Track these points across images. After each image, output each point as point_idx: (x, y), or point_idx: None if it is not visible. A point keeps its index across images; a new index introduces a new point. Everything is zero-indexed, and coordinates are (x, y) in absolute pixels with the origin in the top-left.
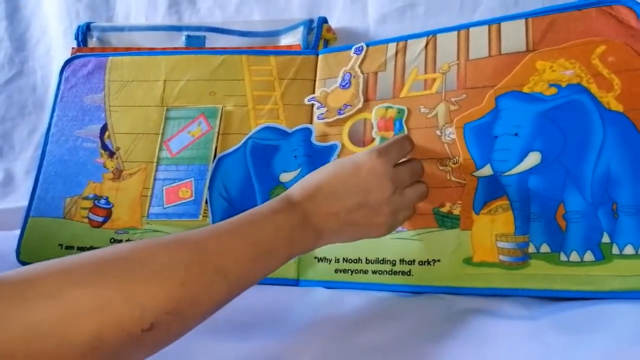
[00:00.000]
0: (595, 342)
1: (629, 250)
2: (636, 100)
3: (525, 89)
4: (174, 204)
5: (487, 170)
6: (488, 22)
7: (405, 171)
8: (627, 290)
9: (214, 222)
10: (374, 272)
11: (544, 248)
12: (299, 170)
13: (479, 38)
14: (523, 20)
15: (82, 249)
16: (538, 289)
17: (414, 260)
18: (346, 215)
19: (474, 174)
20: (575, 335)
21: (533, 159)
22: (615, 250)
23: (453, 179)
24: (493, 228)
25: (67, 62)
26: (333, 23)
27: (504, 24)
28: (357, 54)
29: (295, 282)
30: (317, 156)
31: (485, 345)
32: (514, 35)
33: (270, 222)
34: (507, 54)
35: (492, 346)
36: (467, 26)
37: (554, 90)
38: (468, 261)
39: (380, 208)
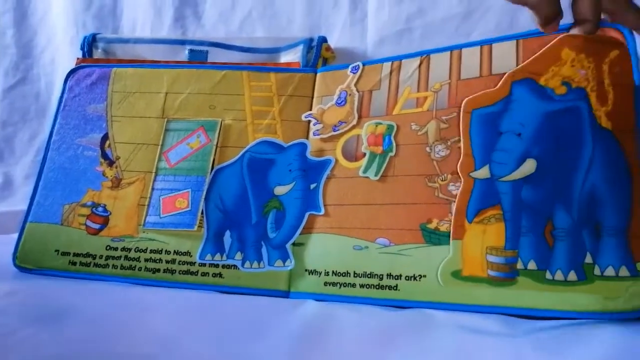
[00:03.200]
0: None
1: (609, 272)
2: (623, 121)
3: (542, 80)
4: (170, 213)
5: (484, 172)
6: (480, 43)
7: None
8: (606, 312)
9: (208, 233)
10: (361, 285)
11: (531, 265)
12: (293, 183)
13: (470, 58)
14: (514, 42)
15: (78, 255)
16: (523, 307)
17: (400, 275)
18: None
19: (472, 174)
20: (555, 356)
21: (528, 166)
22: (597, 271)
23: (441, 195)
24: (484, 239)
25: (72, 72)
26: (333, 43)
27: (495, 45)
28: (353, 72)
29: (286, 294)
30: (311, 170)
31: None
32: (505, 56)
33: None
34: (498, 74)
35: None
36: (459, 47)
37: (564, 89)
38: (457, 274)
39: None
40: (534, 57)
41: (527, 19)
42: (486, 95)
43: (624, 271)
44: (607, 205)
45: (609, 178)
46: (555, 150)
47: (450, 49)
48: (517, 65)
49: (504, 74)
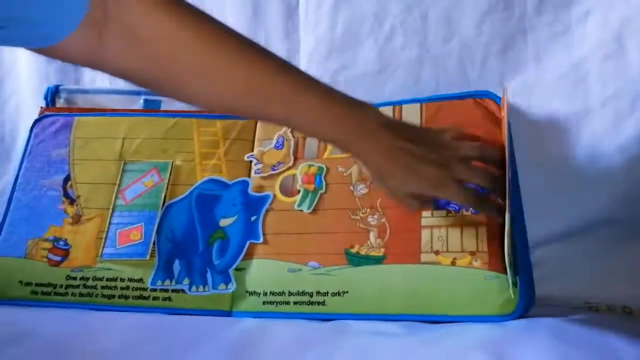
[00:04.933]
0: (443, 349)
1: None
2: None
3: None
4: (125, 245)
5: None
6: (393, 104)
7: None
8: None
9: (159, 262)
10: (295, 302)
11: None
12: (236, 216)
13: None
14: (419, 104)
15: (40, 285)
16: (422, 314)
17: (327, 292)
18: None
19: None
20: (434, 346)
21: None
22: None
23: (361, 225)
24: None
25: (37, 121)
26: None
27: (404, 106)
28: None
29: (229, 314)
30: (252, 204)
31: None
32: (412, 115)
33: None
34: None
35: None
36: (376, 106)
37: None
38: None
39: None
40: None
41: (429, 77)
42: None
43: None
44: None
45: None
46: None
47: None
48: (420, 123)
49: None
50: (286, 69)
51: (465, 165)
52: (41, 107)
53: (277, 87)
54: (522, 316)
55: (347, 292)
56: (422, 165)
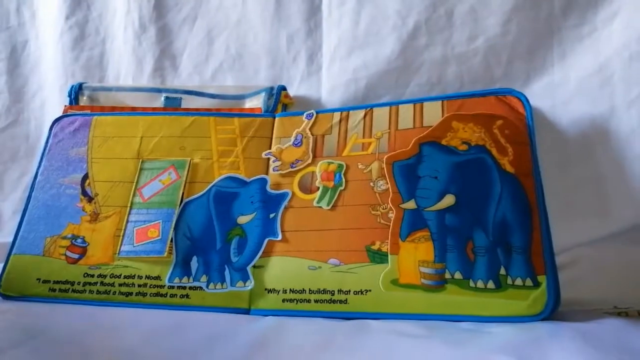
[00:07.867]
0: (467, 351)
1: (518, 282)
2: (523, 167)
3: (443, 142)
4: (142, 242)
5: (411, 204)
6: (413, 102)
7: None
8: (513, 316)
9: (177, 259)
10: (315, 301)
11: (458, 275)
12: (254, 213)
13: (406, 113)
14: (440, 102)
15: (57, 282)
16: (450, 314)
17: (349, 290)
18: None
19: (401, 205)
20: (458, 347)
21: (448, 200)
22: (509, 281)
23: (382, 221)
24: (416, 254)
25: (56, 120)
26: (293, 91)
27: (425, 104)
28: (308, 119)
29: (247, 311)
30: (271, 202)
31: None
32: (433, 113)
33: None
34: (427, 127)
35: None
36: (397, 103)
37: (465, 146)
38: (395, 282)
39: None
40: (432, 127)
41: (453, 74)
42: (401, 153)
43: (528, 282)
44: (514, 229)
45: (515, 209)
46: (469, 188)
47: (389, 104)
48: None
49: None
50: None
51: None
52: (65, 106)
53: None
54: (548, 318)
55: (369, 290)
56: None
